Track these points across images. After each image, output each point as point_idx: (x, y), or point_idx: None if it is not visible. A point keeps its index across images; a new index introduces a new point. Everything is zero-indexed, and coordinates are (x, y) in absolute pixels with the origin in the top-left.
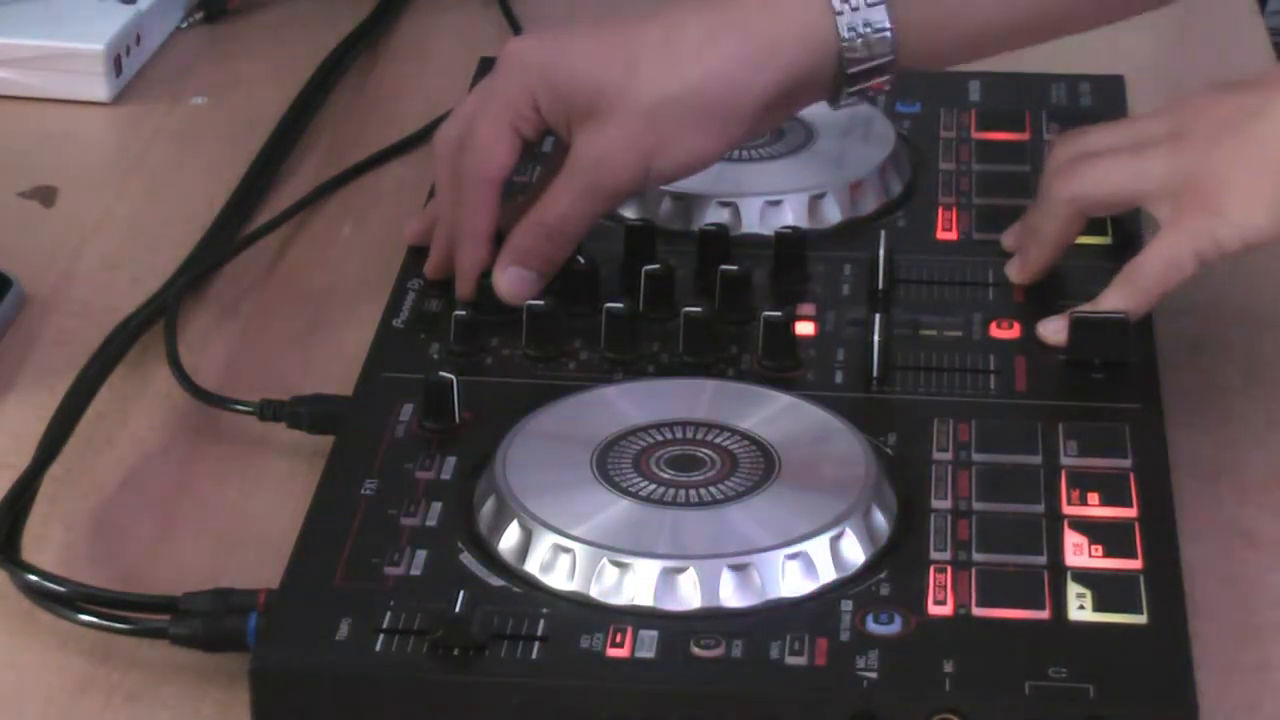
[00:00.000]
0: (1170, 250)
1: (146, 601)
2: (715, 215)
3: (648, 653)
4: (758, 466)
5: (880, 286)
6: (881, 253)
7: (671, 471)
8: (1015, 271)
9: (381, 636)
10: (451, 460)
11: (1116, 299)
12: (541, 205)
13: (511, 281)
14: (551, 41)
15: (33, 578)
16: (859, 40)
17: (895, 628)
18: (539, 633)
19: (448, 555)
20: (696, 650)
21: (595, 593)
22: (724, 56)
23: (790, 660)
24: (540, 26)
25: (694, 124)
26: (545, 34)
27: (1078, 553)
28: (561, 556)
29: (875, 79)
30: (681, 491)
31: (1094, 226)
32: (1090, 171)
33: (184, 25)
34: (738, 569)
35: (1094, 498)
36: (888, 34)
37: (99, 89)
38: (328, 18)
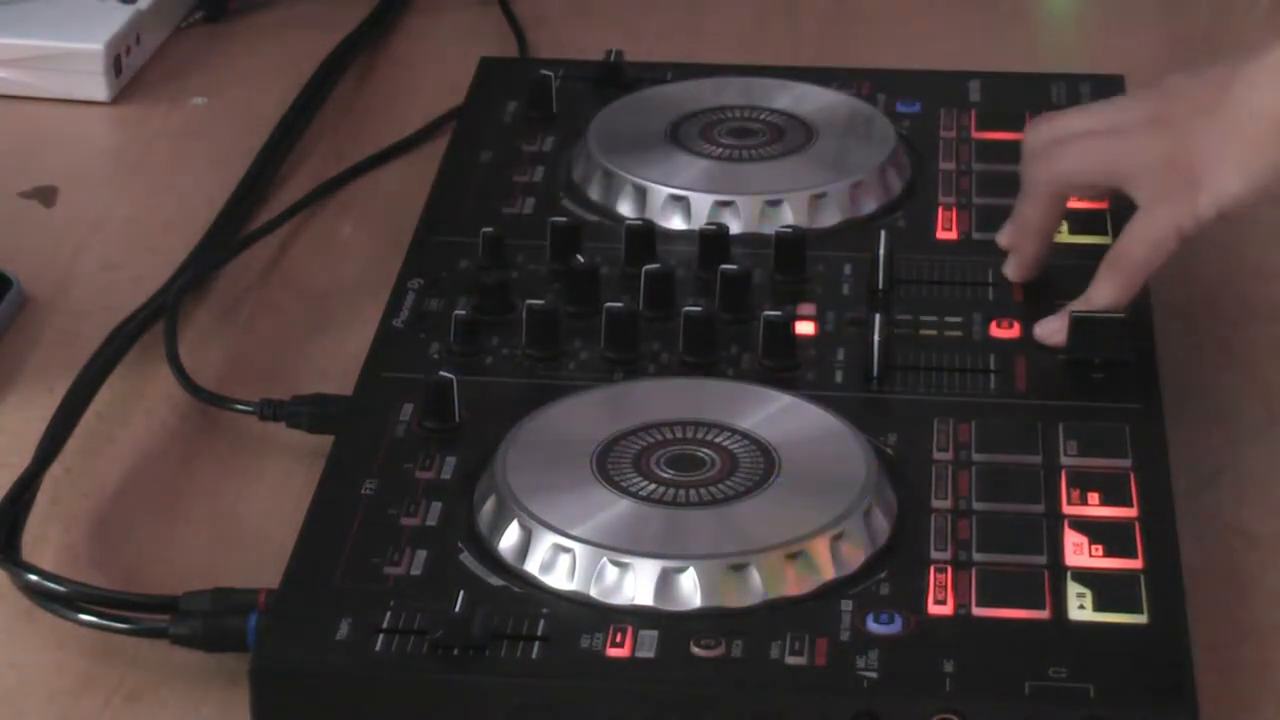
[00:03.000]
0: (1151, 230)
1: (146, 601)
2: (715, 215)
3: (648, 653)
4: (758, 466)
5: (880, 286)
6: (881, 253)
7: (671, 471)
8: (1012, 269)
9: (381, 636)
10: (451, 460)
11: (1104, 289)
12: (1092, 293)
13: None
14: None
15: (33, 578)
16: None
17: (895, 628)
18: (539, 633)
19: (448, 555)
20: (696, 650)
21: (595, 593)
22: None
23: (790, 660)
24: (541, 28)
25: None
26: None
27: (1078, 552)
28: (561, 556)
29: None
30: (681, 491)
31: (1094, 226)
32: (1067, 153)
33: (184, 25)
34: (738, 569)
35: (1094, 497)
36: None
37: (99, 89)
38: (328, 18)
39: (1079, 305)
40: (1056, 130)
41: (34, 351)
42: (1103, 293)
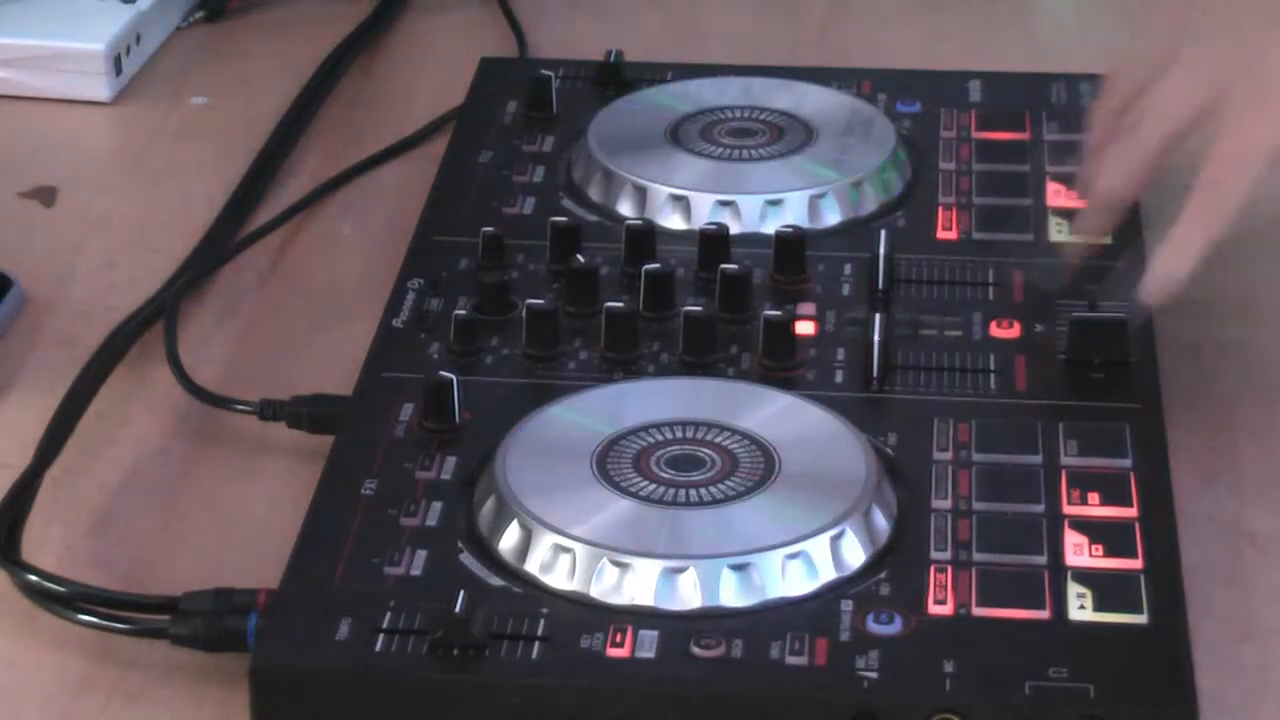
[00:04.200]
0: (1243, 143)
1: (146, 601)
2: (715, 215)
3: (648, 653)
4: (758, 466)
5: (880, 286)
6: (881, 253)
7: (671, 471)
8: (1094, 227)
9: (381, 636)
10: (451, 460)
11: (1192, 228)
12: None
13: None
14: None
15: (33, 578)
16: None
17: (895, 628)
18: (539, 633)
19: (448, 555)
20: (696, 650)
21: (595, 593)
22: None
23: (790, 660)
24: (541, 28)
25: None
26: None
27: (1078, 552)
28: (561, 556)
29: None
30: (681, 491)
31: None
32: (1144, 124)
33: (184, 25)
34: (738, 569)
35: (1094, 497)
36: None
37: (99, 89)
38: (328, 18)
39: (1163, 248)
40: (1111, 114)
41: (34, 351)
42: (1191, 228)
